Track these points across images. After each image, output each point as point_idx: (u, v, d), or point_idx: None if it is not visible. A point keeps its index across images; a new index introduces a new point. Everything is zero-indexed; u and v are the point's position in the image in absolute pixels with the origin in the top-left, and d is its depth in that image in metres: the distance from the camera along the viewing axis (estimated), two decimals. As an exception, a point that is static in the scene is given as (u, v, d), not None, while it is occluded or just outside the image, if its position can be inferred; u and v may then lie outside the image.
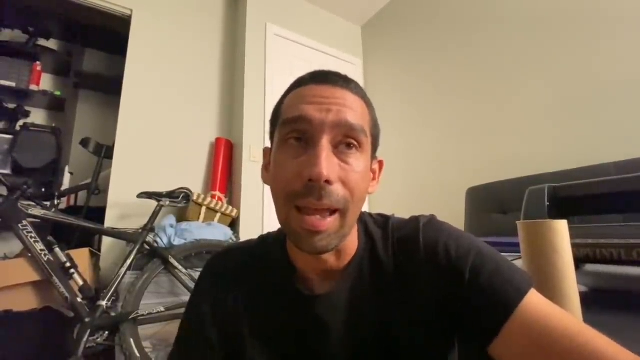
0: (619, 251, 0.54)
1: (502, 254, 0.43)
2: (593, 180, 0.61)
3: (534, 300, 0.35)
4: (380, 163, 0.48)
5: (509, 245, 0.73)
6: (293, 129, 0.39)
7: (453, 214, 1.69)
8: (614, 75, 1.35)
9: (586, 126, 1.41)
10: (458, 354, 0.44)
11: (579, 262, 0.58)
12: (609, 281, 0.62)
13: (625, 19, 1.33)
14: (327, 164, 0.36)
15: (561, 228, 0.46)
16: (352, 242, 0.45)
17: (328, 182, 0.36)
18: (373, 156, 0.45)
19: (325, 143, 0.37)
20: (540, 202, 0.64)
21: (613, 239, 0.55)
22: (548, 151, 1.53)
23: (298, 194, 0.37)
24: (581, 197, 0.63)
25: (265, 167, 0.46)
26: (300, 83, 0.43)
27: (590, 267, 0.61)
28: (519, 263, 0.49)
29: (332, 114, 0.38)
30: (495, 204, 1.52)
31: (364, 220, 0.48)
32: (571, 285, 0.45)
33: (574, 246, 0.47)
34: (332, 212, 0.37)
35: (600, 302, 0.58)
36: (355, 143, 0.39)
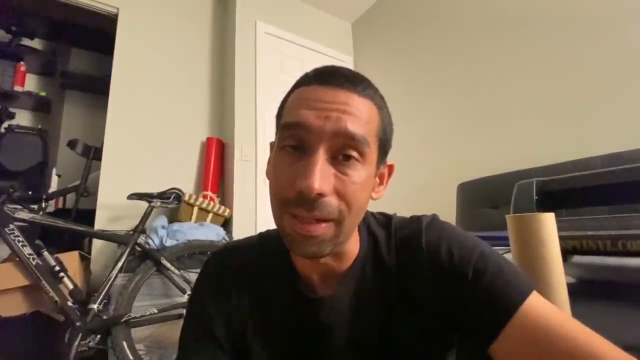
0: (605, 242, 0.55)
1: (493, 247, 0.44)
2: (579, 174, 0.62)
3: (535, 302, 0.35)
4: (390, 167, 0.45)
5: (500, 239, 0.74)
6: (290, 134, 0.37)
7: (444, 209, 1.70)
8: (600, 71, 1.37)
9: (574, 121, 1.44)
10: (457, 354, 0.44)
11: (566, 253, 0.59)
12: (596, 272, 0.63)
13: (613, 15, 1.35)
14: (321, 175, 0.34)
15: (548, 221, 0.47)
16: (353, 245, 0.44)
17: (321, 194, 0.34)
18: (381, 161, 0.42)
19: (321, 153, 0.35)
20: (528, 196, 0.65)
21: (599, 231, 0.56)
22: (537, 146, 1.55)
23: (290, 202, 0.36)
24: (568, 190, 0.64)
25: (269, 162, 0.44)
26: (304, 81, 0.40)
27: (577, 258, 0.62)
28: (508, 256, 0.50)
29: (331, 122, 0.36)
30: (486, 198, 1.54)
31: (367, 220, 0.47)
32: (558, 276, 0.46)
33: (562, 238, 0.48)
34: (327, 220, 0.36)
35: (587, 293, 0.59)
36: (355, 153, 0.37)
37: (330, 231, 0.36)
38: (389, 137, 0.43)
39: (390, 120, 0.44)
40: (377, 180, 0.43)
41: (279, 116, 0.43)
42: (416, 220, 0.45)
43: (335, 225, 0.36)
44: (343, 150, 0.36)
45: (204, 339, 0.45)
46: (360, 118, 0.37)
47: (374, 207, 0.41)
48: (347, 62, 2.78)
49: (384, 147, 0.42)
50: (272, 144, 0.46)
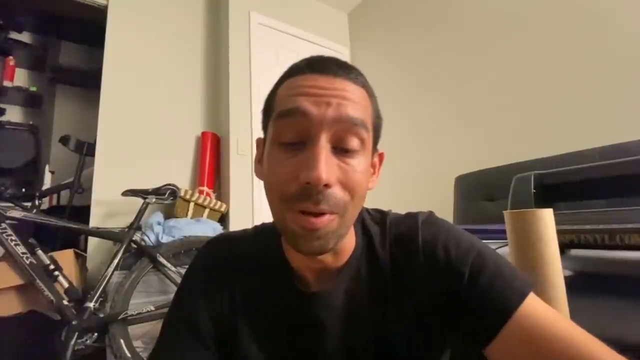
0: (603, 236, 0.54)
1: (490, 241, 0.43)
2: (576, 167, 0.61)
3: (533, 304, 0.35)
4: (381, 156, 0.45)
5: (497, 232, 0.74)
6: (288, 123, 0.36)
7: (442, 203, 1.70)
8: (598, 62, 1.36)
9: (571, 113, 1.43)
10: (450, 354, 0.44)
11: (564, 247, 0.59)
12: (594, 265, 0.63)
13: (611, 6, 1.33)
14: (327, 166, 0.33)
15: (546, 216, 0.46)
16: (349, 241, 0.43)
17: (327, 185, 0.34)
18: (374, 150, 0.42)
19: (324, 142, 0.34)
20: (526, 189, 0.64)
21: (597, 225, 0.55)
22: (535, 138, 1.54)
23: (294, 197, 0.35)
24: (566, 184, 0.63)
25: (259, 160, 0.43)
26: (295, 71, 0.39)
27: (575, 251, 0.62)
28: (505, 250, 0.49)
29: (331, 109, 0.35)
30: (484, 191, 1.54)
31: (362, 216, 0.47)
32: (556, 271, 0.45)
33: (560, 232, 0.47)
34: (331, 212, 0.35)
35: (584, 286, 0.59)
36: (357, 140, 0.36)
37: (334, 223, 0.35)
38: (380, 124, 0.43)
39: (379, 109, 0.43)
40: (371, 170, 0.42)
41: (267, 111, 0.41)
42: (412, 217, 0.45)
43: (339, 217, 0.36)
44: (344, 138, 0.36)
45: (185, 331, 0.43)
46: (359, 104, 0.37)
47: (369, 198, 0.40)
48: (343, 53, 2.74)
49: (376, 135, 0.42)
50: (259, 141, 0.44)
